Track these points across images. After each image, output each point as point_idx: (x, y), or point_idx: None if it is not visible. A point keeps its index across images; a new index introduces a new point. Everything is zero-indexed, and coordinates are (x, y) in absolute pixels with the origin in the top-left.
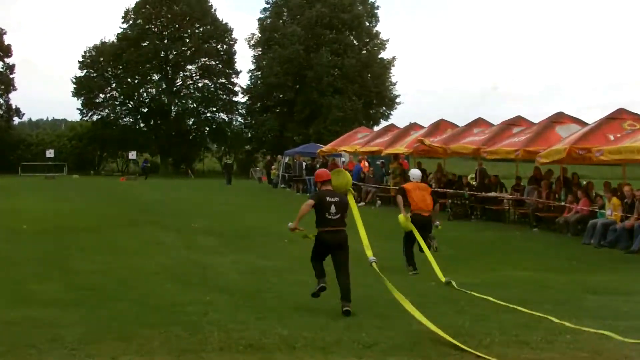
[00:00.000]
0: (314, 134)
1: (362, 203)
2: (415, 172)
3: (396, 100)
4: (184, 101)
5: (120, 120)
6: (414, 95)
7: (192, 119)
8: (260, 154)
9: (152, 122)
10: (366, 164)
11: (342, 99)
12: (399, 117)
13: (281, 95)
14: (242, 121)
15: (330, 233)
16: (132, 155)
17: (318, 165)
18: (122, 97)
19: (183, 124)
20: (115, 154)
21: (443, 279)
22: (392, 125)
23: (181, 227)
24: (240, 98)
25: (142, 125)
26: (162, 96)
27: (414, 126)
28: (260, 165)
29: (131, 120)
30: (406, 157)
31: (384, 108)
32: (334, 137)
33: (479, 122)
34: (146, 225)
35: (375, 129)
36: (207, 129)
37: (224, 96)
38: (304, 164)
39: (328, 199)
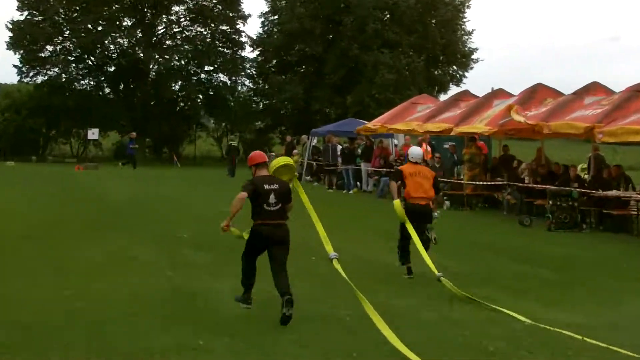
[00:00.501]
0: (353, 104)
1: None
2: (415, 151)
3: (472, 58)
4: (167, 57)
5: (76, 84)
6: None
7: (180, 83)
8: (277, 134)
9: (121, 87)
10: (428, 148)
11: (394, 55)
12: (477, 82)
13: (306, 49)
14: (251, 86)
15: (268, 227)
16: (93, 133)
17: (359, 150)
18: (78, 50)
19: (166, 90)
20: (68, 132)
21: (436, 272)
22: (467, 93)
23: (162, 237)
24: (249, 53)
25: (107, 91)
26: (137, 49)
27: (498, 94)
28: (277, 150)
29: (92, 83)
30: (485, 138)
31: (455, 68)
32: (382, 110)
33: (593, 88)
34: (112, 234)
35: (442, 97)
36: (201, 96)
37: (225, 50)
38: (339, 147)
39: (266, 186)
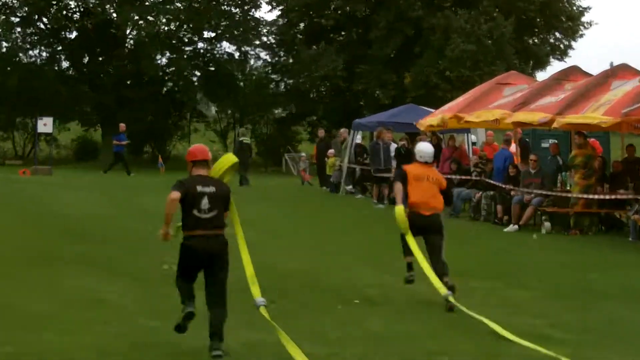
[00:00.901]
0: (413, 85)
1: (514, 226)
2: (424, 149)
3: (582, 21)
4: (150, 18)
5: (21, 56)
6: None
7: (167, 55)
8: (306, 126)
9: (85, 60)
10: (514, 148)
11: (472, 17)
12: (588, 54)
13: (347, 9)
14: (268, 59)
15: (200, 239)
16: (45, 125)
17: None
18: (25, 9)
19: (149, 65)
20: (9, 123)
21: (443, 291)
22: (574, 71)
23: (140, 271)
24: (266, 13)
25: (65, 65)
26: (108, 8)
27: (618, 71)
28: (306, 149)
29: (44, 55)
30: (600, 134)
31: (557, 36)
32: (456, 94)
33: None
34: (71, 268)
35: (540, 76)
36: (198, 74)
37: (233, 9)
38: (393, 146)
39: (199, 188)
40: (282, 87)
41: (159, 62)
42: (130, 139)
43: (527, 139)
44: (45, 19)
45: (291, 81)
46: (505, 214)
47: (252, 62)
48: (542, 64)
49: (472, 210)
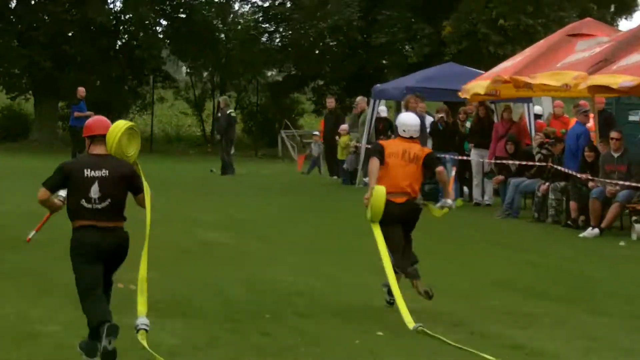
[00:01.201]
0: (454, 38)
1: (594, 230)
2: (407, 120)
3: None
4: None
5: None
6: None
7: None
8: (310, 93)
9: (13, 5)
10: (592, 123)
11: None
12: None
13: None
14: (259, 3)
15: (92, 231)
16: None
17: (467, 126)
18: None
19: (97, 10)
20: None
21: (411, 325)
22: None
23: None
24: None
25: None
26: None
27: None
28: (310, 125)
29: None
30: None
31: None
32: (511, 50)
33: None
34: None
35: (624, 25)
36: (164, 22)
37: None
38: (429, 120)
39: (87, 172)
40: (278, 40)
41: (111, 6)
42: (66, 113)
43: (610, 110)
44: None
45: (290, 33)
46: (581, 213)
47: (236, 6)
48: (627, 9)
49: (536, 207)
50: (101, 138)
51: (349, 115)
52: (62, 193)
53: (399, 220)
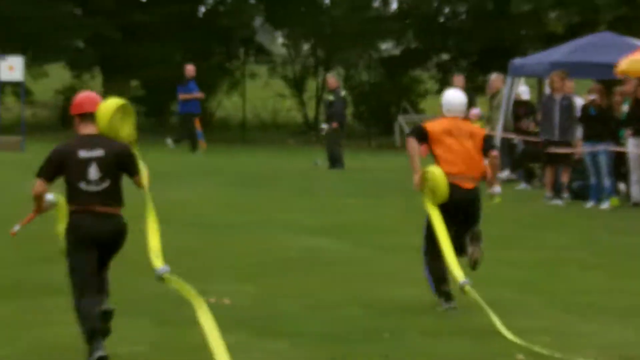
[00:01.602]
0: (611, 3)
1: None
2: (453, 98)
3: None
4: None
5: None
6: None
7: None
8: (433, 70)
9: None
10: None
11: None
12: None
13: None
14: None
15: (89, 216)
16: (13, 69)
17: (624, 110)
18: None
19: None
20: None
21: (460, 279)
22: None
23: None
24: None
25: None
26: None
27: None
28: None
29: None
30: None
31: None
32: None
33: None
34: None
35: None
36: None
37: None
38: (578, 102)
39: (83, 153)
40: (394, 6)
41: None
42: (150, 91)
43: None
44: None
45: None
46: None
47: None
48: None
49: None
50: (91, 116)
51: (494, 99)
52: (50, 197)
53: (462, 206)
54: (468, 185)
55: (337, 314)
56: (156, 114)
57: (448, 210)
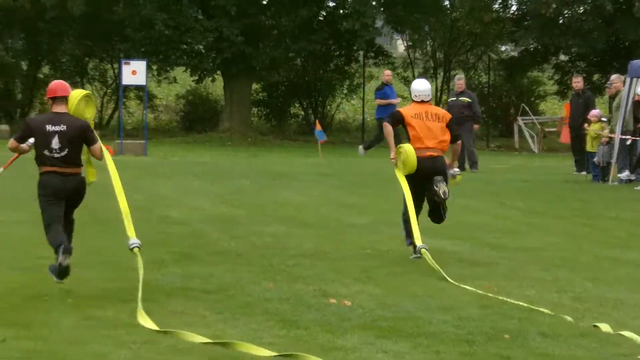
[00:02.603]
0: None
1: None
2: (420, 86)
3: None
4: None
5: None
6: None
7: None
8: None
9: None
10: None
11: None
12: None
13: None
14: None
15: (54, 175)
16: (136, 74)
17: None
18: None
19: None
20: (79, 68)
21: (419, 243)
22: None
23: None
24: None
25: None
26: None
27: None
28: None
29: None
30: None
31: None
32: None
33: None
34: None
35: None
36: None
37: None
38: None
39: (49, 127)
40: (514, 8)
41: None
42: (270, 94)
43: None
44: None
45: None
46: None
47: None
48: None
49: None
50: (62, 99)
51: (618, 100)
52: (32, 140)
53: (430, 172)
54: (433, 154)
55: (457, 314)
56: (277, 118)
57: (420, 174)
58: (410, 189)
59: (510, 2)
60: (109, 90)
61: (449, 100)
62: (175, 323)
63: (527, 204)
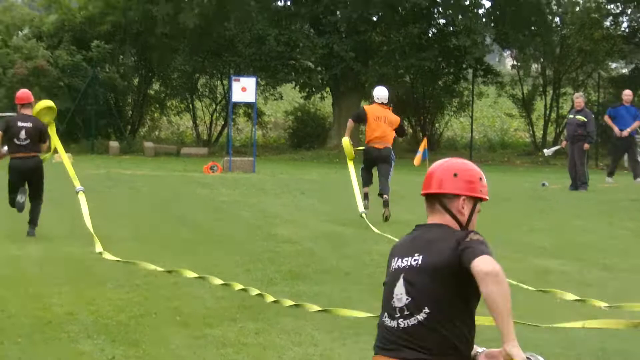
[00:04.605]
0: None
1: None
2: (380, 92)
3: None
4: None
5: None
6: None
7: None
8: None
9: None
10: None
11: None
12: None
13: None
14: None
15: (20, 160)
16: (245, 90)
17: None
18: None
19: None
20: (189, 85)
21: (360, 209)
22: None
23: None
24: None
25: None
26: None
27: None
28: None
29: None
30: None
31: None
32: None
33: None
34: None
35: None
36: (487, 2)
37: None
38: None
39: (20, 123)
40: (625, 25)
41: None
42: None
43: None
44: None
45: None
46: None
47: None
48: None
49: None
50: (27, 104)
51: None
52: (5, 149)
53: (378, 159)
54: (380, 146)
55: (566, 334)
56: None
57: (370, 159)
58: (366, 168)
59: (621, 19)
60: (218, 107)
61: (567, 116)
62: (284, 342)
63: (637, 224)
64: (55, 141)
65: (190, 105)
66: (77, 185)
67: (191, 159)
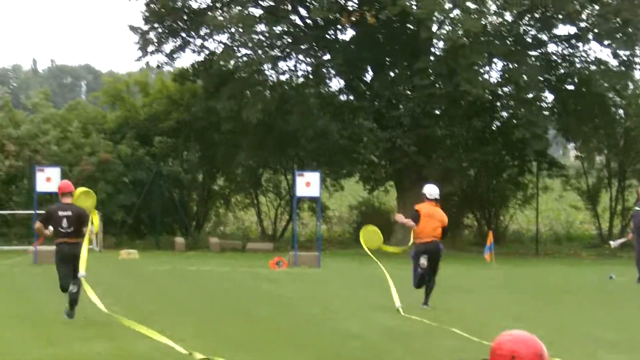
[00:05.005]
0: None
1: None
2: (432, 189)
3: None
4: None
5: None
6: None
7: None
8: None
9: (369, 78)
10: None
11: None
12: None
13: None
14: None
15: (65, 245)
16: (310, 185)
17: None
18: None
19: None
20: (253, 180)
21: (397, 303)
22: None
23: None
24: None
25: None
26: None
27: None
28: None
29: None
30: None
31: None
32: None
33: None
34: None
35: None
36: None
37: None
38: None
39: (60, 213)
40: None
41: (485, 76)
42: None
43: None
44: (303, 10)
45: None
46: None
47: (637, 74)
48: None
49: None
50: (68, 194)
51: None
52: (50, 228)
53: (430, 251)
54: (429, 240)
55: None
56: (450, 228)
57: (420, 253)
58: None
59: None
60: (282, 202)
61: (633, 209)
62: None
63: None
64: (94, 221)
65: (255, 200)
66: (82, 271)
67: (257, 254)
